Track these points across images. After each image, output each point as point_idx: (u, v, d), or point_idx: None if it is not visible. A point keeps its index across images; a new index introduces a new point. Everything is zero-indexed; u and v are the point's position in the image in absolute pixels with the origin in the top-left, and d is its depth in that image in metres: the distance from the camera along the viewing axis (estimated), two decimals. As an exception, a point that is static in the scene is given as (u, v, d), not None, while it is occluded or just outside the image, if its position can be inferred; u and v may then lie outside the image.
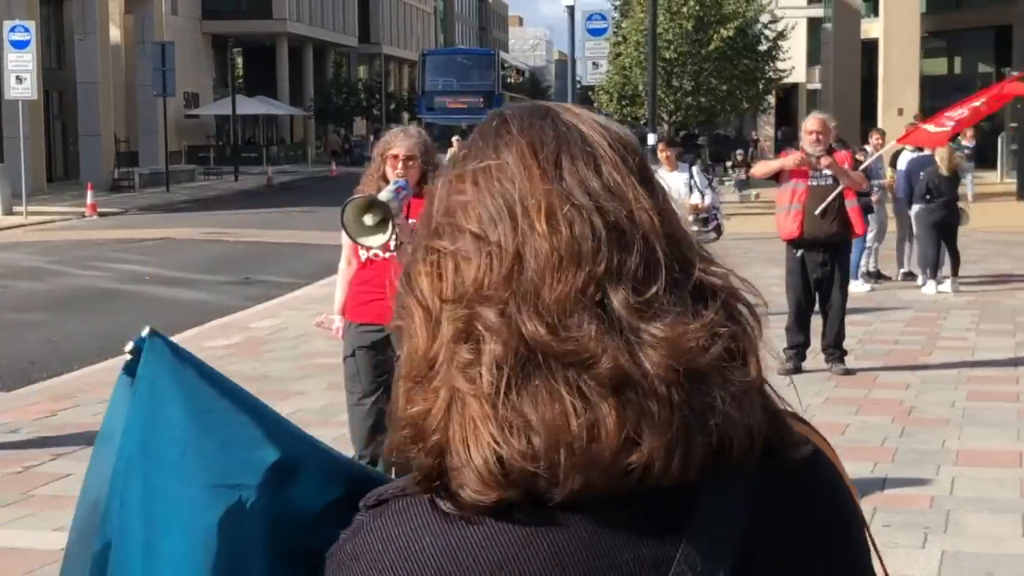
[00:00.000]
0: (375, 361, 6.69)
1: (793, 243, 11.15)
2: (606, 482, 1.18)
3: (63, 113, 48.23)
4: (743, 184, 36.35)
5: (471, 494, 1.19)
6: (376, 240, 6.32)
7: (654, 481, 1.18)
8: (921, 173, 16.28)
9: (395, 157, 6.61)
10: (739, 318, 1.26)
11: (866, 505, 7.01)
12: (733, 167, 39.61)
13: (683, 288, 1.23)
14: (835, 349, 11.16)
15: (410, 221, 6.50)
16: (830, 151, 11.17)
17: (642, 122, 35.68)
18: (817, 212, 10.84)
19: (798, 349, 11.15)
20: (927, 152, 16.38)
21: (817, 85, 60.80)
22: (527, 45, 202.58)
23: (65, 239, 26.89)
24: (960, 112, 14.40)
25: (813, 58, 62.76)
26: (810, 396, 10.11)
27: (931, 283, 16.01)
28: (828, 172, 10.95)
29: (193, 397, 1.47)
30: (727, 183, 35.03)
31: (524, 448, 1.17)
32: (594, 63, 34.55)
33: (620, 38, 37.37)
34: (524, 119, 1.30)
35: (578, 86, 37.30)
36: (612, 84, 36.51)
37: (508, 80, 63.54)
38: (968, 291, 16.02)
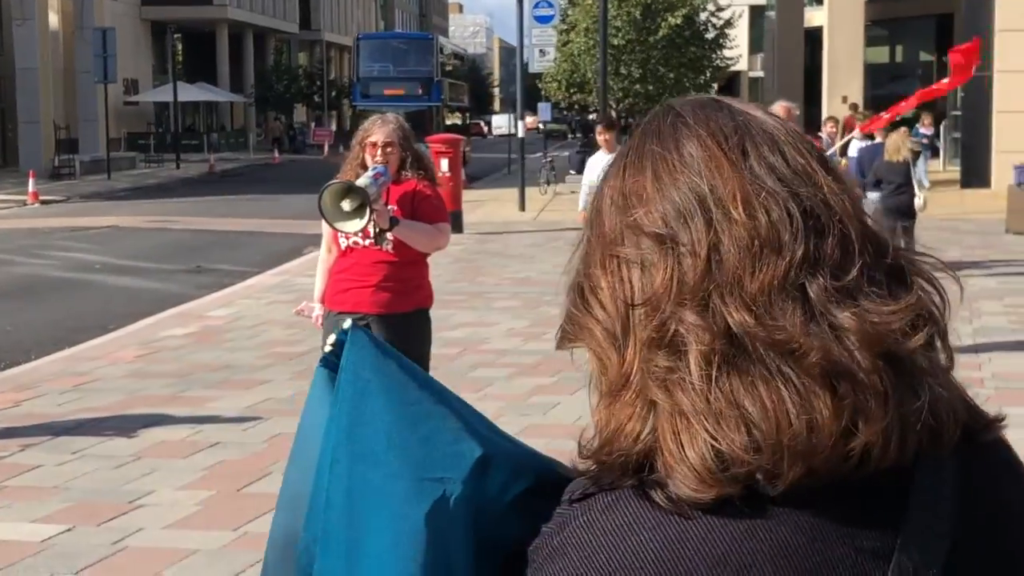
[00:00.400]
0: None
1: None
2: (827, 469, 1.16)
3: (2, 100, 47.67)
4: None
5: (688, 491, 1.16)
6: (353, 225, 6.27)
7: (874, 464, 1.17)
8: (874, 161, 16.38)
9: (373, 145, 6.58)
10: (933, 301, 1.25)
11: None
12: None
13: (879, 272, 1.22)
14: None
15: (389, 207, 6.45)
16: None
17: (591, 109, 35.84)
18: None
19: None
20: (878, 140, 16.48)
21: (759, 73, 61.16)
22: (467, 32, 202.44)
23: (9, 227, 26.55)
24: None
25: (755, 46, 63.17)
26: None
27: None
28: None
29: (396, 390, 1.44)
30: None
31: (745, 441, 1.15)
32: (541, 51, 34.44)
33: (568, 26, 37.38)
34: (698, 110, 1.28)
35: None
36: (561, 72, 36.50)
37: (447, 67, 59.63)
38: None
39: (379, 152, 6.55)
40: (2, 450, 8.23)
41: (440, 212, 6.71)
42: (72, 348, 12.28)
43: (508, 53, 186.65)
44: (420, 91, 49.69)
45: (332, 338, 1.49)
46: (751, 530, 1.17)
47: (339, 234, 6.57)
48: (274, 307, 14.82)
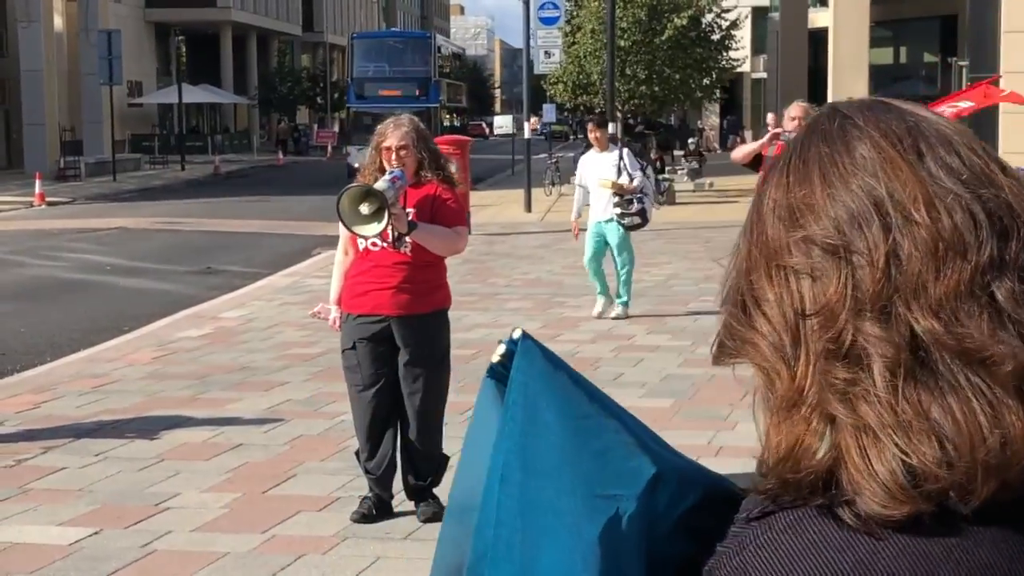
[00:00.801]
0: (376, 353, 6.62)
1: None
2: (1020, 482, 1.11)
3: (6, 102, 47.68)
4: (696, 173, 36.45)
5: (878, 509, 1.10)
6: (372, 229, 6.28)
7: None
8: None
9: (388, 149, 6.58)
10: None
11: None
12: (686, 156, 39.73)
13: None
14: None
15: (407, 211, 6.45)
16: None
17: (596, 111, 35.61)
18: None
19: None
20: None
21: (762, 74, 61.10)
22: (469, 34, 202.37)
23: (18, 229, 26.56)
24: (943, 109, 14.66)
25: (758, 47, 63.09)
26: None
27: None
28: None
29: (568, 402, 1.39)
30: (679, 172, 35.03)
31: (938, 455, 1.09)
32: (546, 52, 34.42)
33: (573, 27, 37.36)
34: (866, 112, 1.23)
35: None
36: (567, 73, 36.48)
37: (444, 68, 57.17)
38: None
39: (394, 156, 6.55)
40: (24, 452, 8.23)
41: (458, 216, 6.71)
42: (88, 349, 12.28)
43: (510, 55, 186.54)
44: (417, 92, 46.42)
45: (501, 348, 1.44)
46: (947, 551, 1.12)
47: (357, 237, 6.56)
48: (287, 309, 14.81)
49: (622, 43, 34.03)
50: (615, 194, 13.39)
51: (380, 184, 6.34)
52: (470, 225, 23.13)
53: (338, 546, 6.33)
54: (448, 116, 65.75)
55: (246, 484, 7.44)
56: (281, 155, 57.97)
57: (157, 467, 7.86)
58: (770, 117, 24.93)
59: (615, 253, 13.74)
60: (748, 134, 64.98)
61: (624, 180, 13.44)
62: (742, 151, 11.43)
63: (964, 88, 18.70)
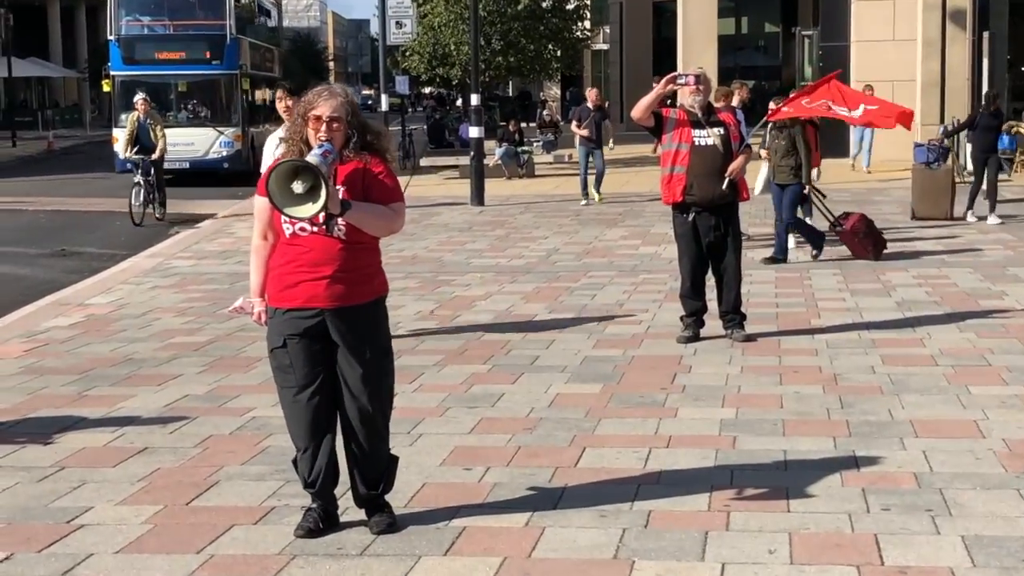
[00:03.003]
0: (311, 350, 5.88)
1: (679, 207, 10.70)
2: None
3: None
4: (552, 145, 36.02)
5: None
6: (307, 210, 5.58)
7: None
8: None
9: (318, 119, 5.82)
10: None
11: (854, 486, 6.58)
12: (540, 128, 39.26)
13: None
14: (734, 315, 10.77)
15: (338, 188, 5.77)
16: (711, 108, 10.81)
17: (454, 83, 35.14)
18: (725, 187, 10.48)
19: (696, 316, 10.75)
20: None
21: (604, 46, 60.95)
22: (300, 5, 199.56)
23: None
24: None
25: (597, 18, 62.87)
26: (721, 365, 9.72)
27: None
28: (709, 133, 10.54)
29: None
30: (535, 145, 34.54)
31: None
32: (397, 23, 33.68)
33: (427, -3, 36.56)
34: None
35: (375, 43, 36.34)
36: (422, 45, 35.68)
37: (250, 24, 39.53)
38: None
39: (324, 127, 5.82)
40: (-97, 463, 7.36)
41: (394, 191, 5.95)
42: (-51, 343, 11.31)
43: (355, 26, 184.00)
44: (208, 54, 33.55)
45: None
46: None
47: (283, 220, 5.82)
48: (158, 293, 13.97)
49: (479, 13, 33.44)
50: None
51: (312, 158, 5.65)
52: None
53: (288, 567, 5.64)
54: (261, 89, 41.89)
55: (165, 494, 6.70)
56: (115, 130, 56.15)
57: (59, 477, 7.05)
58: (591, 92, 24.69)
59: None
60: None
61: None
62: (639, 108, 10.64)
63: (807, 86, 18.64)
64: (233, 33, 33.21)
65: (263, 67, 38.44)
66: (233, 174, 30.65)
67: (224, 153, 31.83)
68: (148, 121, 22.73)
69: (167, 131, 23.71)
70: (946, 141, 21.36)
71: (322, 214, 5.71)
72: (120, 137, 25.44)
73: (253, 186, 6.59)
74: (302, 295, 5.86)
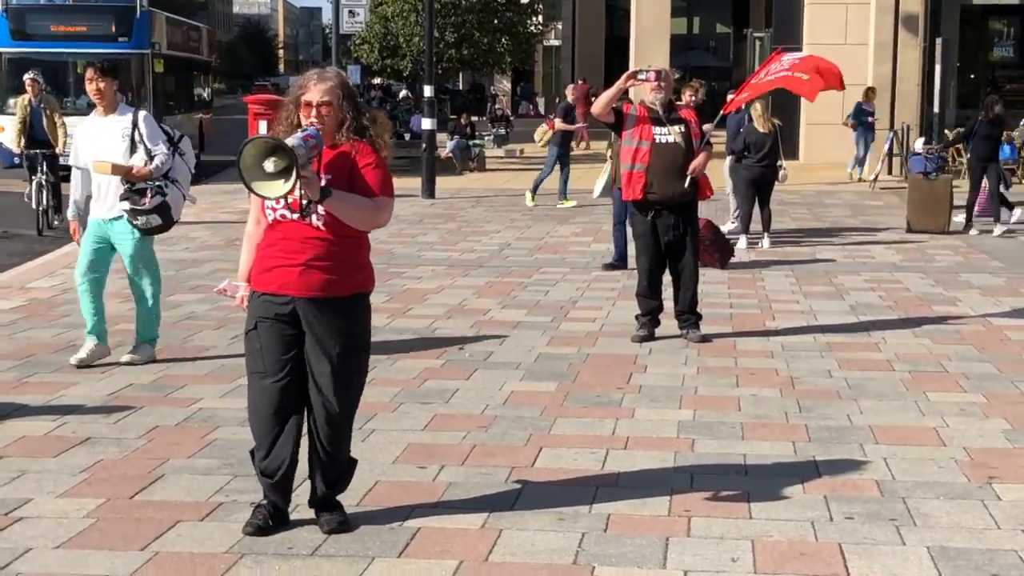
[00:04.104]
0: (282, 337, 5.71)
1: (639, 205, 10.58)
2: None
3: None
4: (503, 139, 35.87)
5: None
6: (274, 189, 5.37)
7: None
8: (741, 129, 16.11)
9: (308, 105, 5.65)
10: None
11: (816, 493, 6.46)
12: (492, 122, 39.10)
13: None
14: (690, 315, 10.65)
15: (321, 176, 5.57)
16: (672, 106, 10.71)
17: (404, 74, 34.90)
18: (687, 185, 10.38)
19: (652, 315, 10.63)
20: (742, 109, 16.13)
21: (556, 42, 60.89)
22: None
23: None
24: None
25: (551, 13, 62.87)
26: (677, 366, 9.59)
27: (743, 238, 15.82)
28: (670, 131, 10.44)
29: None
30: (487, 138, 34.33)
31: None
32: (350, 11, 33.40)
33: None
34: None
35: (327, 32, 35.99)
36: (373, 35, 35.38)
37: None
38: (768, 249, 16.07)
39: (313, 112, 5.65)
40: None
41: (381, 186, 5.75)
42: None
43: (307, 14, 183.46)
44: (113, 29, 28.28)
45: None
46: None
47: (266, 204, 5.65)
48: (102, 278, 13.66)
49: (435, 4, 33.30)
50: (123, 181, 9.41)
51: (292, 140, 5.44)
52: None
53: (236, 565, 5.44)
54: (205, 76, 37.56)
55: (107, 487, 6.48)
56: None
57: (-3, 467, 6.83)
58: (569, 89, 24.48)
59: (128, 268, 9.80)
60: (541, 101, 64.82)
61: (137, 160, 9.45)
62: (599, 104, 10.52)
63: (753, 73, 18.35)
64: (144, 5, 28.24)
65: (185, 47, 33.61)
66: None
67: None
68: (42, 106, 18.95)
69: (66, 119, 19.11)
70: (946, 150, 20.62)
71: (304, 200, 5.54)
72: (7, 126, 21.51)
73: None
74: (276, 280, 5.70)
